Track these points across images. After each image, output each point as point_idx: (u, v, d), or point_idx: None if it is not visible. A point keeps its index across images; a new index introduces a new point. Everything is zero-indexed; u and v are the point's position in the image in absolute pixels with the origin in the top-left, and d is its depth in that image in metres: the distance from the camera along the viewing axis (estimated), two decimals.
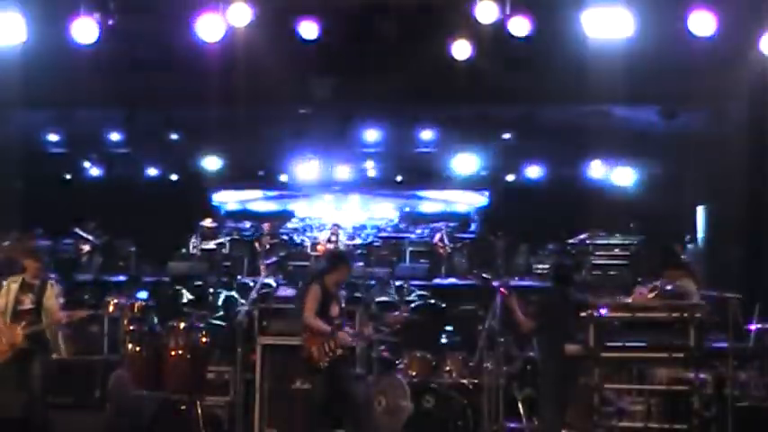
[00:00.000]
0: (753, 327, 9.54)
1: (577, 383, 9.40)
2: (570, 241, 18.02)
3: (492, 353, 9.91)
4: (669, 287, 9.30)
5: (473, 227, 20.41)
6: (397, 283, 15.21)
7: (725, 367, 9.16)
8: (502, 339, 9.94)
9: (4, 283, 9.80)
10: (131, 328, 10.36)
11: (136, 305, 10.60)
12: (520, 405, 10.10)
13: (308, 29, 11.27)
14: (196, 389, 10.14)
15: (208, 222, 19.28)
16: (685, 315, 9.43)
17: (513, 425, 10.00)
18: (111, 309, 10.62)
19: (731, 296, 9.38)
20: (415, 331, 11.31)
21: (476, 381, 10.19)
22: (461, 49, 11.29)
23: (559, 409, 9.48)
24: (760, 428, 9.11)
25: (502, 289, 9.73)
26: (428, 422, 10.11)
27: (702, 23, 10.07)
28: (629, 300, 9.61)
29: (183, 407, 9.93)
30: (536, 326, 9.48)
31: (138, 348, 10.26)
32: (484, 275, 10.70)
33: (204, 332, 10.53)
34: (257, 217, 21.56)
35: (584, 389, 9.43)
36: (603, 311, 9.12)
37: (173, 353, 10.18)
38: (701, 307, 9.25)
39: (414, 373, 10.44)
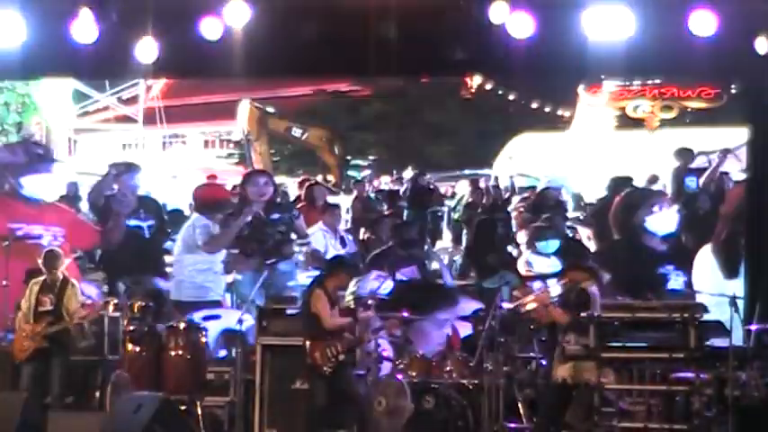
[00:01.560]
0: (753, 327, 9.51)
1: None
2: None
3: (492, 353, 9.91)
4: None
5: None
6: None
7: (725, 367, 9.14)
8: (502, 339, 9.95)
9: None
10: (131, 328, 10.35)
11: (136, 305, 10.58)
12: (520, 405, 10.07)
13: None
14: (196, 389, 10.15)
15: None
16: (685, 315, 9.46)
17: (513, 425, 9.97)
18: (111, 309, 10.60)
19: (730, 296, 9.39)
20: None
21: (476, 381, 10.16)
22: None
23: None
24: (760, 428, 9.09)
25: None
26: (428, 422, 10.08)
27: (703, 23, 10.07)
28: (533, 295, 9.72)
29: (183, 407, 9.93)
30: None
31: (138, 348, 10.26)
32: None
33: (204, 332, 10.53)
34: None
35: (584, 389, 9.44)
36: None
37: (173, 353, 10.19)
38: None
39: (414, 373, 10.43)
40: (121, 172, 12.28)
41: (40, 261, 10.02)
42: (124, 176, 12.13)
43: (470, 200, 20.75)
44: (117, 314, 10.55)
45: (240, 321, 10.34)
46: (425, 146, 36.81)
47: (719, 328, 9.60)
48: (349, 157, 31.88)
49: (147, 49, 10.71)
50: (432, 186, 23.10)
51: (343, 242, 13.21)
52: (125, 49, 10.77)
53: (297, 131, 29.82)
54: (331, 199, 15.81)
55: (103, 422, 9.49)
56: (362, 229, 15.29)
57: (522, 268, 12.39)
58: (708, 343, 9.49)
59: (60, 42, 10.72)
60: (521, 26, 10.33)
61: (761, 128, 10.81)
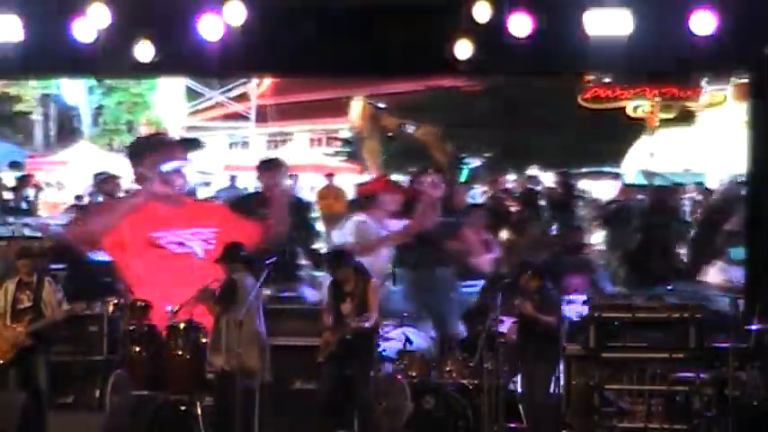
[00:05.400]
0: (753, 327, 9.52)
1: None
2: None
3: (492, 353, 9.91)
4: None
5: None
6: None
7: (725, 367, 9.16)
8: (502, 340, 9.96)
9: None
10: (131, 328, 10.33)
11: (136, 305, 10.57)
12: (520, 405, 10.08)
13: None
14: (196, 389, 10.13)
15: None
16: (685, 315, 9.48)
17: (513, 425, 9.98)
18: (111, 309, 10.61)
19: (730, 296, 9.41)
20: None
21: (476, 381, 10.17)
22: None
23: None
24: (760, 428, 9.10)
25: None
26: (428, 422, 10.09)
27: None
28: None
29: (182, 407, 9.92)
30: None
31: (138, 348, 10.24)
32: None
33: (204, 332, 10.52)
34: None
35: (584, 389, 9.46)
36: None
37: (173, 353, 10.17)
38: None
39: (414, 373, 10.43)
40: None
41: (17, 259, 9.98)
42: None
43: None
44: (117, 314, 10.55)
45: None
46: (538, 143, 35.92)
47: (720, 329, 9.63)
48: (463, 155, 31.13)
49: (146, 48, 10.70)
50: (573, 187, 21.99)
51: None
52: (125, 48, 10.75)
53: (409, 128, 29.45)
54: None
55: (103, 422, 9.50)
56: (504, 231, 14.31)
57: (716, 277, 11.44)
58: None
59: (60, 41, 10.71)
60: (520, 26, 10.33)
61: (760, 127, 10.81)
